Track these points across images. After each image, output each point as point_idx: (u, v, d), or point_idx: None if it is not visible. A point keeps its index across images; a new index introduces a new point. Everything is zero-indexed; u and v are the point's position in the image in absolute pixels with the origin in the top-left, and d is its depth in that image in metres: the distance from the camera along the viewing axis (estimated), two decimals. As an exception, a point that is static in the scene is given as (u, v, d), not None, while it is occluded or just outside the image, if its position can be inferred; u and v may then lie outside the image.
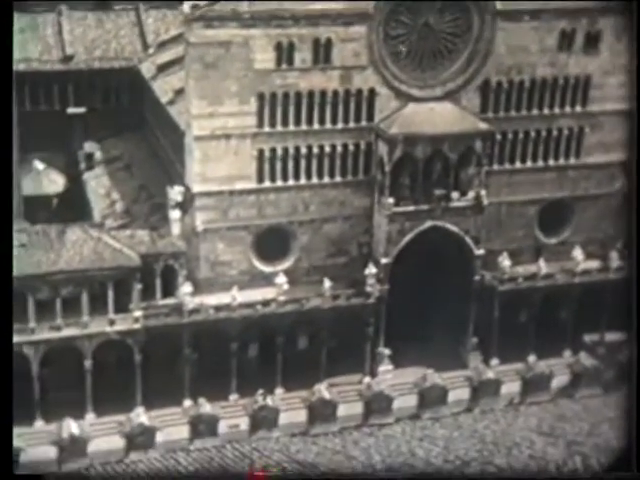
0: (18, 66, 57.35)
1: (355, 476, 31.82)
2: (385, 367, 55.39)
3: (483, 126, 54.49)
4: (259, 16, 50.48)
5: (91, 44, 63.79)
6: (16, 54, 56.41)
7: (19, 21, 60.78)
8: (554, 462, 36.73)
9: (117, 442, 37.73)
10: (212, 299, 53.25)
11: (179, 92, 56.17)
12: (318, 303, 54.14)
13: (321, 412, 47.70)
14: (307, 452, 37.63)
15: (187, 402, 52.27)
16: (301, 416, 42.34)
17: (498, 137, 56.30)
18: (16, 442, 35.64)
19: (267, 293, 53.89)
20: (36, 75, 61.63)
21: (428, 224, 54.36)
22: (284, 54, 51.95)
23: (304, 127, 53.69)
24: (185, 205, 53.45)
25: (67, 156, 62.45)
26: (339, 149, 54.66)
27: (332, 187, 55.41)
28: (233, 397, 53.01)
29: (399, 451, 37.45)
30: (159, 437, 38.26)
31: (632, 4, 52.36)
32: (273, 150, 53.69)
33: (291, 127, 53.48)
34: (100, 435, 39.79)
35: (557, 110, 57.35)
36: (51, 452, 36.34)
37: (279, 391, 52.87)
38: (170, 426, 42.63)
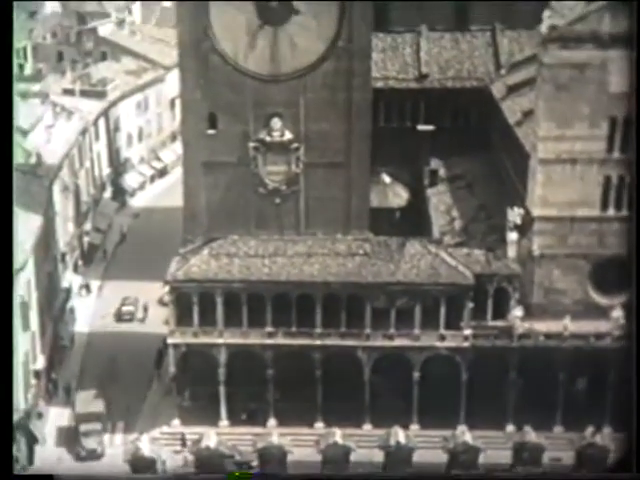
0: (376, 84, 60.14)
1: (354, 477, 29.57)
2: None
3: None
4: (620, 37, 48.79)
5: (445, 64, 65.00)
6: (375, 72, 59.57)
7: (382, 41, 63.93)
8: None
9: (440, 456, 38.21)
10: (543, 326, 52.36)
11: (527, 113, 55.70)
12: (657, 342, 51.05)
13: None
14: (635, 499, 35.54)
15: (510, 427, 51.89)
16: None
17: None
18: (346, 441, 37.39)
19: (601, 326, 51.91)
20: (392, 93, 63.85)
21: None
22: (644, 77, 49.73)
23: (658, 156, 50.98)
24: (523, 228, 52.96)
25: (412, 171, 64.19)
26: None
27: (684, 220, 52.02)
28: (557, 429, 51.74)
29: None
30: (481, 458, 38.24)
31: (632, 4, 47.55)
32: (621, 177, 51.57)
33: (644, 155, 51.01)
34: (424, 447, 40.60)
35: None
36: (378, 456, 37.70)
37: (607, 430, 50.60)
38: (492, 449, 42.45)
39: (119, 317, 67.87)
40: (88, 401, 55.83)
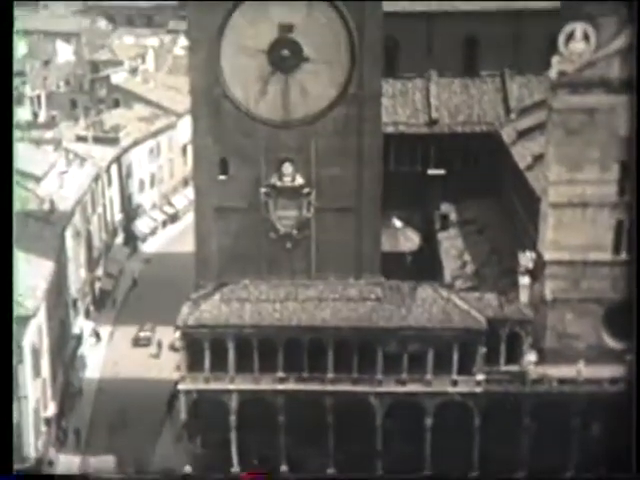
0: (386, 129, 60.51)
1: (354, 477, 29.03)
2: None
3: None
4: (629, 82, 49.06)
5: (455, 109, 65.37)
6: (385, 118, 59.96)
7: (392, 87, 64.57)
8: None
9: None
10: (556, 371, 51.91)
11: (538, 158, 55.87)
12: (672, 388, 50.50)
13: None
14: None
15: (521, 473, 51.26)
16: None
17: None
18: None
19: (616, 371, 51.42)
20: (402, 138, 64.23)
21: None
22: (653, 122, 49.86)
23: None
24: (535, 272, 52.79)
25: (423, 216, 64.41)
26: None
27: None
28: (569, 474, 51.05)
29: None
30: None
31: (632, 4, 47.94)
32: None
33: (654, 199, 50.99)
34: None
35: None
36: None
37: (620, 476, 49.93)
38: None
39: (136, 342, 70.35)
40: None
